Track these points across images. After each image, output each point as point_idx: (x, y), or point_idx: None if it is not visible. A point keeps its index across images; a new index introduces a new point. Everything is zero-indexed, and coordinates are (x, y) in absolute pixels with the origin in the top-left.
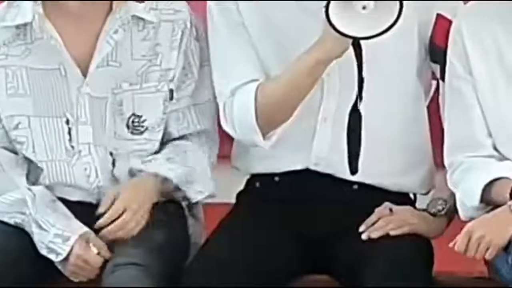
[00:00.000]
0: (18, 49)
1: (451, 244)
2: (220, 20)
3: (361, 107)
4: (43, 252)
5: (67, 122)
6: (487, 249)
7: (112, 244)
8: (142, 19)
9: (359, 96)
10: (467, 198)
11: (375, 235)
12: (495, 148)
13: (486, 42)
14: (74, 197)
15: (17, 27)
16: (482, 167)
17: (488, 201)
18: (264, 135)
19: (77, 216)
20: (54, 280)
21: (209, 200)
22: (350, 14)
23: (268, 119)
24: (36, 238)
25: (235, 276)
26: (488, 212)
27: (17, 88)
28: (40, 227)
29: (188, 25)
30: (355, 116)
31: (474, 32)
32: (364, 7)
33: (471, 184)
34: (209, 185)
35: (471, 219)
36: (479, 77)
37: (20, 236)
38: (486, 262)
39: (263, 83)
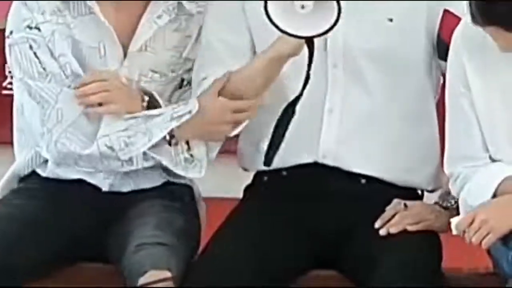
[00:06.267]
0: (67, 19)
1: (452, 225)
2: (219, 13)
3: (371, 101)
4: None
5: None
6: (487, 234)
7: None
8: (183, 8)
9: (301, 93)
10: (473, 198)
11: (393, 230)
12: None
13: (482, 58)
14: (76, 176)
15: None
16: (484, 171)
17: None
18: None
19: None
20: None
21: (216, 195)
22: (290, 13)
23: None
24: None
25: (242, 272)
26: None
27: (70, 56)
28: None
29: None
30: (289, 110)
31: (472, 48)
32: (302, 7)
33: (478, 185)
34: (203, 168)
35: None
36: (476, 94)
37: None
38: (491, 257)
39: (226, 74)
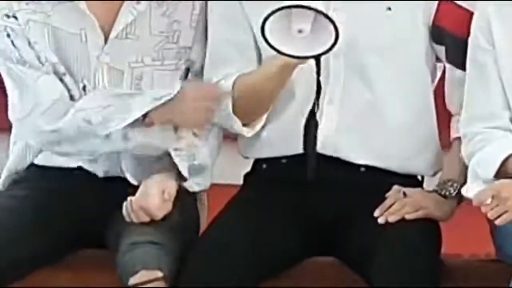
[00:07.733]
0: (46, 7)
1: (470, 192)
2: (221, 13)
3: (371, 91)
4: None
5: (84, 88)
6: (504, 212)
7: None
8: None
9: (316, 103)
10: (481, 169)
11: (392, 219)
12: None
13: (509, 18)
14: (75, 163)
15: None
16: (499, 140)
17: (504, 174)
18: (246, 124)
19: (77, 181)
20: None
21: (216, 181)
22: (288, 36)
23: (242, 111)
24: None
25: (239, 258)
26: None
27: (45, 44)
28: None
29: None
30: (312, 123)
31: (499, 7)
32: (300, 31)
33: (487, 155)
34: (207, 179)
35: None
36: (500, 50)
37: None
38: (494, 240)
39: (239, 77)
